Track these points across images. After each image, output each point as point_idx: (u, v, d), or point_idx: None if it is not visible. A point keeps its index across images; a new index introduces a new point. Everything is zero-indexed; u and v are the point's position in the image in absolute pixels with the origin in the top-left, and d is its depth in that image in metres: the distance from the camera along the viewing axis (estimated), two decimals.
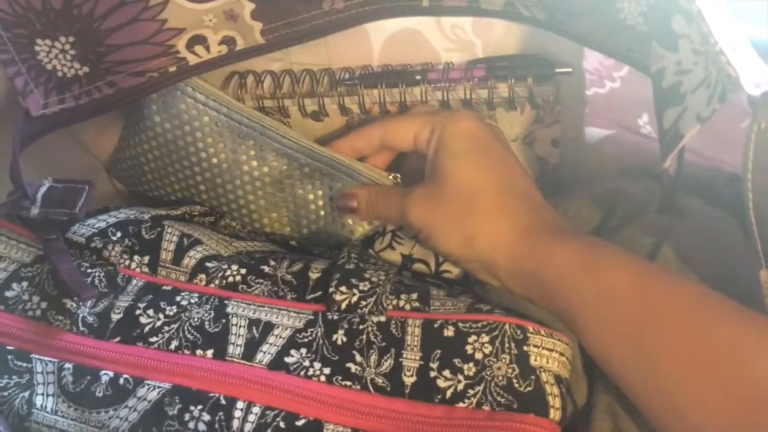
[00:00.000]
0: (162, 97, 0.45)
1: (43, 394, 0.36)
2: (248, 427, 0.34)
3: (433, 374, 0.34)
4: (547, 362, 0.34)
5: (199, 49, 0.42)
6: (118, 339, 0.37)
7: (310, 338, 0.36)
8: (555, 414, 0.33)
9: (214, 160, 0.46)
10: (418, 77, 0.48)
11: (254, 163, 0.46)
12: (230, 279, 0.39)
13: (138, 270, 0.40)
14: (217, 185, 0.47)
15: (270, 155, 0.46)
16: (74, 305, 0.38)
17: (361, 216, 0.45)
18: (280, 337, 0.36)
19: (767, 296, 0.31)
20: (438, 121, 0.42)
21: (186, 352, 0.36)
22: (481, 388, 0.33)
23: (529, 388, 0.33)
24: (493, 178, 0.40)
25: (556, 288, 0.35)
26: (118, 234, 0.41)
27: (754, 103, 0.29)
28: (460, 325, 0.35)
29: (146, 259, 0.40)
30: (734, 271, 0.34)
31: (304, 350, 0.36)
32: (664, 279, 0.34)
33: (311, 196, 0.47)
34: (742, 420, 0.29)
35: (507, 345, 0.34)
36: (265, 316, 0.37)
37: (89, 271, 0.39)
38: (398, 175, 0.47)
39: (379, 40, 0.49)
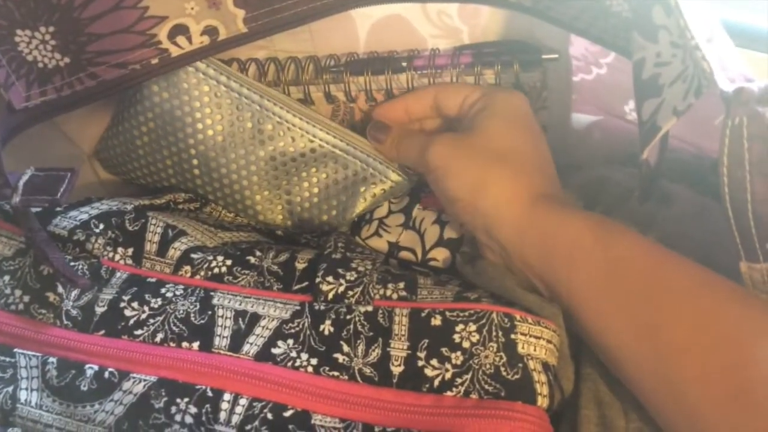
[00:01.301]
0: None
1: (27, 389, 0.36)
2: (235, 418, 0.34)
3: (420, 363, 0.34)
4: (535, 350, 0.34)
5: (181, 39, 0.41)
6: (102, 332, 0.37)
7: (297, 329, 0.36)
8: (543, 401, 0.33)
9: (210, 132, 0.46)
10: (405, 64, 0.48)
11: (250, 137, 0.45)
12: (216, 270, 0.39)
13: (122, 262, 0.40)
14: (210, 159, 0.46)
15: (267, 129, 0.45)
16: (58, 298, 0.38)
17: (385, 150, 0.47)
18: (267, 328, 0.36)
19: (747, 286, 0.32)
20: (490, 89, 0.44)
21: (171, 344, 0.36)
22: (468, 376, 0.33)
23: (516, 376, 0.33)
24: (527, 146, 0.41)
25: (561, 256, 0.36)
26: (101, 226, 0.40)
27: (727, 100, 0.29)
28: (448, 313, 0.35)
29: (130, 251, 0.40)
30: (721, 260, 0.34)
31: (291, 341, 0.35)
32: (670, 256, 0.34)
33: (305, 175, 0.46)
34: (738, 398, 0.29)
35: (494, 333, 0.34)
36: (252, 307, 0.37)
37: (72, 264, 0.39)
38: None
39: (365, 26, 0.48)
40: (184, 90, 0.45)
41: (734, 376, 0.29)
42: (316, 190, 0.47)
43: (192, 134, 0.46)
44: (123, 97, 0.48)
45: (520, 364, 0.33)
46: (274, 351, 0.35)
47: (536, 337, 0.34)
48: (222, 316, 0.37)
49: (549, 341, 0.34)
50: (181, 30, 0.41)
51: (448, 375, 0.34)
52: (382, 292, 0.37)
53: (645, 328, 0.32)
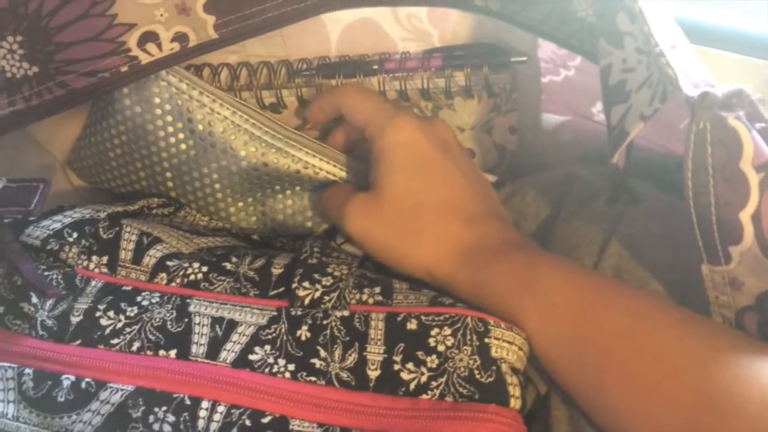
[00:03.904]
0: None
1: (3, 401, 0.36)
2: (214, 426, 0.34)
3: (396, 367, 0.35)
4: (507, 354, 0.34)
5: (151, 47, 0.41)
6: (78, 342, 0.37)
7: (274, 335, 0.36)
8: (515, 403, 0.34)
9: (183, 147, 0.45)
10: (376, 67, 0.48)
11: (221, 151, 0.46)
12: (192, 277, 0.39)
13: (97, 271, 0.40)
14: (183, 173, 0.46)
15: (239, 145, 0.46)
16: (32, 309, 0.38)
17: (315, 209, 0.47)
18: (244, 334, 0.36)
19: (708, 288, 0.32)
20: (380, 122, 0.42)
21: (148, 353, 0.36)
22: (443, 379, 0.34)
23: (490, 379, 0.34)
24: (432, 194, 0.40)
25: (499, 308, 0.36)
26: (75, 234, 0.40)
27: (691, 105, 0.29)
28: (423, 318, 0.35)
29: (105, 259, 0.40)
30: (686, 258, 0.35)
31: (268, 347, 0.36)
32: (605, 291, 0.34)
33: (279, 188, 0.47)
34: (688, 430, 0.29)
35: (469, 337, 0.35)
36: (228, 313, 0.37)
37: (46, 273, 0.39)
38: None
39: (336, 30, 0.48)
40: (157, 104, 0.45)
41: (681, 408, 0.30)
42: (290, 202, 0.47)
43: (165, 148, 0.46)
44: (95, 107, 0.48)
45: (494, 367, 0.34)
46: (252, 357, 0.36)
47: (509, 343, 0.35)
48: (199, 324, 0.37)
49: (520, 348, 0.35)
50: (150, 37, 0.41)
51: (423, 378, 0.34)
52: (358, 296, 0.37)
53: (588, 371, 0.33)
